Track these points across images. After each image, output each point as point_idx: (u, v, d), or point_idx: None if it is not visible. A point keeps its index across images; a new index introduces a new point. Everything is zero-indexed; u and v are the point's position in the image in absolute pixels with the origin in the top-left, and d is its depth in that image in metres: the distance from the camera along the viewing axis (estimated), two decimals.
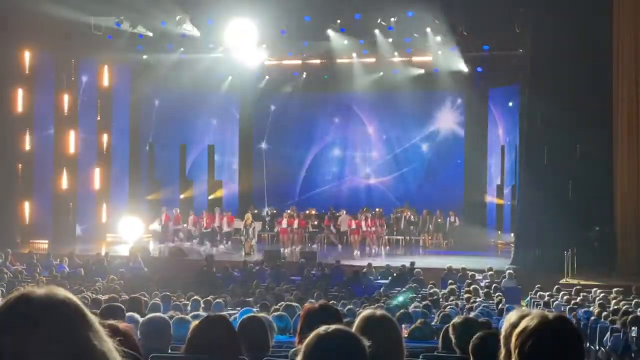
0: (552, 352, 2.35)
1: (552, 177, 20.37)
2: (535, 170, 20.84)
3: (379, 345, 2.44)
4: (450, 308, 11.74)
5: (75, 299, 1.60)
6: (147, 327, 5.43)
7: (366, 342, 2.16)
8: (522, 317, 2.57)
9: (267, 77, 29.62)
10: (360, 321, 3.06)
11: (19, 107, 24.29)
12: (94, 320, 1.60)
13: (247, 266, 19.61)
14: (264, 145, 31.41)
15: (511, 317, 2.75)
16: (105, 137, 26.78)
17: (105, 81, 26.83)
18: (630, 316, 11.07)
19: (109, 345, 1.60)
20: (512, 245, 23.00)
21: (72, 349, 1.52)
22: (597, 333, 11.30)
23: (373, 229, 25.32)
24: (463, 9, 21.96)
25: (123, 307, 7.33)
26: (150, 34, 24.92)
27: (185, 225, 26.92)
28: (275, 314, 7.80)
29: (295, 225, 25.62)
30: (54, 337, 1.51)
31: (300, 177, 31.13)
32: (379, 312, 3.14)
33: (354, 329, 2.87)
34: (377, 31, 24.17)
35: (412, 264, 19.47)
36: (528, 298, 15.88)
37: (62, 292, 1.60)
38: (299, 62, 28.50)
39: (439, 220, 26.65)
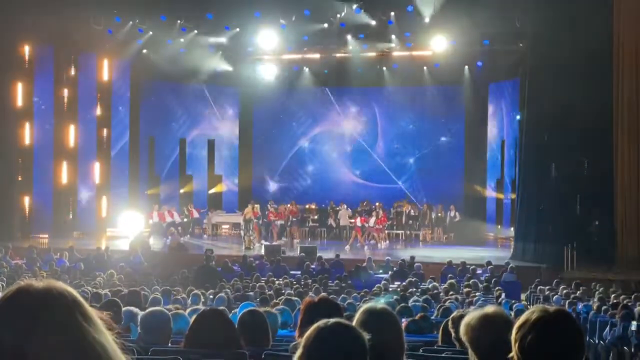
0: (553, 345, 2.36)
1: (551, 172, 20.37)
2: (535, 165, 20.85)
3: (379, 338, 2.44)
4: (450, 302, 11.75)
5: (74, 292, 1.60)
6: (147, 321, 5.42)
7: (366, 336, 2.16)
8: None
9: (267, 71, 29.63)
10: (361, 315, 3.06)
11: (19, 101, 24.29)
12: (93, 313, 1.60)
13: (247, 260, 19.62)
14: (263, 139, 31.47)
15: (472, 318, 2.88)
16: (105, 131, 26.76)
17: (105, 75, 26.79)
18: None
19: (108, 337, 1.59)
20: (512, 239, 23.02)
21: (71, 342, 1.52)
22: (597, 327, 11.31)
23: (380, 225, 25.33)
24: (463, 4, 21.92)
25: (119, 301, 7.34)
26: (151, 30, 24.89)
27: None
28: (277, 308, 7.79)
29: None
30: (53, 330, 1.51)
31: (299, 172, 31.13)
32: (379, 305, 3.14)
33: (354, 323, 2.87)
34: (376, 26, 24.13)
35: (412, 258, 19.50)
36: (528, 292, 15.90)
37: (61, 286, 1.60)
38: (298, 56, 28.46)
39: (439, 214, 26.67)
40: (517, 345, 2.40)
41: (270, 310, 6.45)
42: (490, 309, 3.10)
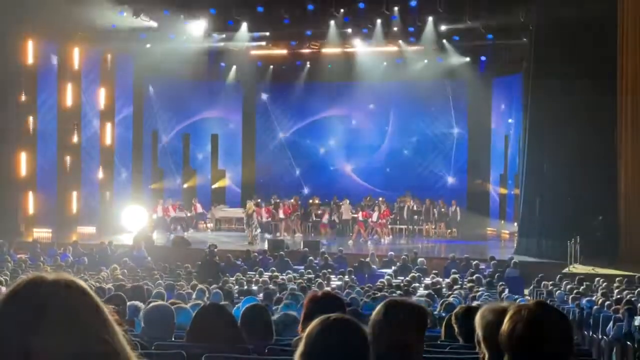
0: (537, 339, 2.34)
1: (555, 167, 20.34)
2: (539, 160, 20.81)
3: (404, 332, 2.43)
4: (453, 297, 11.77)
5: (84, 285, 1.59)
6: (150, 315, 5.44)
7: (367, 330, 2.17)
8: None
9: (270, 66, 29.64)
10: (383, 307, 3.04)
11: (22, 97, 24.28)
12: (103, 306, 1.59)
13: (251, 255, 19.65)
14: (265, 133, 31.48)
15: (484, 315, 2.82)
16: (108, 125, 26.77)
17: (108, 69, 26.75)
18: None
19: (117, 332, 1.59)
20: (515, 234, 23.00)
21: (80, 335, 1.51)
22: (600, 322, 11.31)
23: (383, 220, 25.33)
24: None
25: (124, 296, 7.37)
26: (154, 24, 24.86)
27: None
28: (284, 302, 7.83)
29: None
30: (62, 323, 1.51)
31: (301, 167, 31.12)
32: (408, 300, 3.13)
33: (375, 314, 2.84)
34: (380, 20, 24.10)
35: (415, 253, 19.52)
36: (531, 287, 15.91)
37: (71, 278, 1.59)
38: (301, 51, 28.42)
39: (442, 209, 26.67)
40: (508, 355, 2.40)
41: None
42: (506, 304, 3.09)
